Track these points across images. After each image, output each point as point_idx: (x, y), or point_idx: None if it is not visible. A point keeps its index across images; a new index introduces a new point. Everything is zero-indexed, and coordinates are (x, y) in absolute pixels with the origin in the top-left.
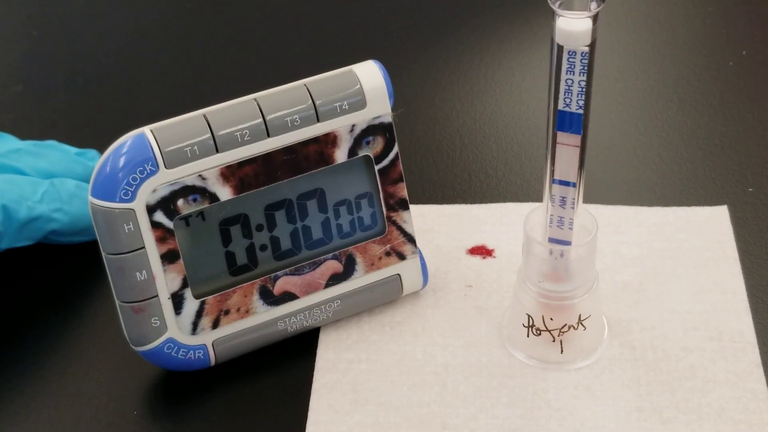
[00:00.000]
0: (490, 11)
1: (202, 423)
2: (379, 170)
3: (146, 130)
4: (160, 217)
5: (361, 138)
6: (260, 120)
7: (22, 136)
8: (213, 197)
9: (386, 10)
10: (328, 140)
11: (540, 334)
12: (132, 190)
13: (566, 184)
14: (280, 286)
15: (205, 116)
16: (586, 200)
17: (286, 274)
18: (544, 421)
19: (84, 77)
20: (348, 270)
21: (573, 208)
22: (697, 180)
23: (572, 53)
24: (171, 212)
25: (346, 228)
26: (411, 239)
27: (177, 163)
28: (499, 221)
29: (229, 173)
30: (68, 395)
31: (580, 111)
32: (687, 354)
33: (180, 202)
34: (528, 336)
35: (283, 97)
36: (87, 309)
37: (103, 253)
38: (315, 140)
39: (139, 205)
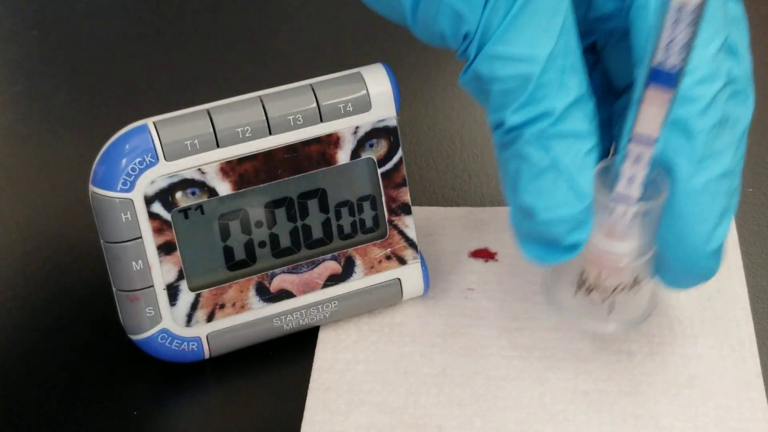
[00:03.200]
0: None
1: (197, 421)
2: (382, 173)
3: (149, 121)
4: (157, 208)
5: (365, 140)
6: (263, 117)
7: (22, 136)
8: (212, 191)
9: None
10: (331, 141)
11: (590, 293)
12: (131, 180)
13: (647, 141)
14: (277, 284)
15: (208, 111)
16: None
17: (284, 272)
18: (541, 425)
19: (84, 77)
20: (347, 271)
21: (648, 166)
22: None
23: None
24: (169, 204)
25: (346, 229)
26: (413, 244)
27: (177, 155)
28: (503, 225)
29: (228, 169)
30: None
31: (681, 65)
32: (686, 362)
33: (178, 195)
34: (575, 295)
35: (288, 96)
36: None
37: (101, 241)
38: (317, 140)
39: (137, 195)
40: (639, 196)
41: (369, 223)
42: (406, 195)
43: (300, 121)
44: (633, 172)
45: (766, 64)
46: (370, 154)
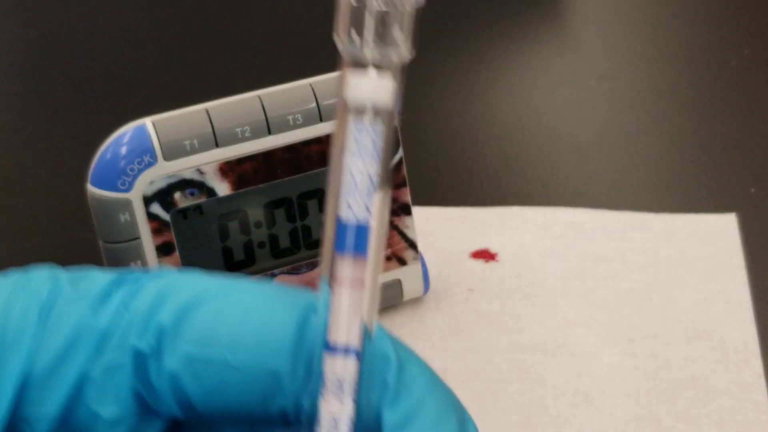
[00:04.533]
0: (491, 11)
1: None
2: None
3: (147, 121)
4: (156, 208)
5: None
6: (262, 117)
7: (21, 136)
8: (211, 192)
9: None
10: (331, 141)
11: None
12: (130, 180)
13: (343, 351)
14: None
15: (207, 111)
16: (589, 204)
17: (284, 273)
18: (542, 428)
19: (83, 77)
20: None
21: (351, 399)
22: (699, 181)
23: (362, 126)
24: (168, 204)
25: None
26: (413, 245)
27: (175, 155)
28: (503, 225)
29: (227, 169)
30: None
31: (367, 220)
32: (689, 363)
33: (177, 195)
34: None
35: (287, 96)
36: None
37: (100, 241)
38: (317, 140)
39: (136, 195)
40: None
41: None
42: (406, 196)
43: (299, 120)
44: (334, 416)
45: (767, 63)
46: None
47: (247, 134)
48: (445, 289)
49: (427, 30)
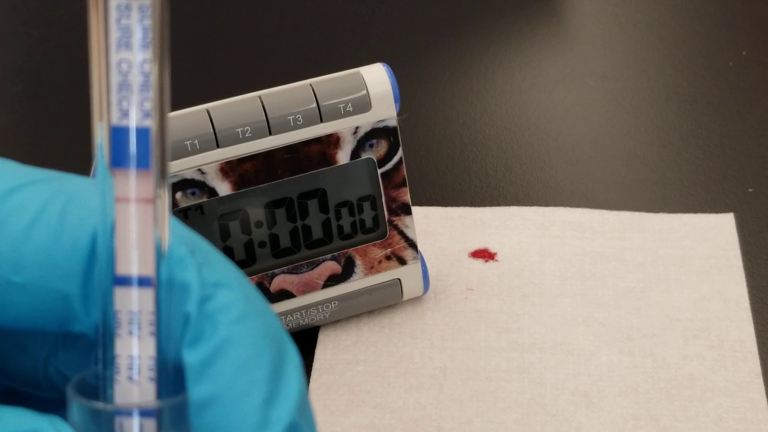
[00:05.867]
0: (491, 11)
1: None
2: (382, 174)
3: None
4: None
5: (365, 140)
6: (263, 117)
7: (23, 136)
8: (212, 192)
9: (386, 11)
10: (331, 141)
11: None
12: None
13: (132, 281)
14: (276, 284)
15: (208, 111)
16: (588, 204)
17: (284, 272)
18: (540, 426)
19: (85, 77)
20: (347, 272)
21: (151, 333)
22: (697, 181)
23: (125, 7)
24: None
25: (346, 229)
26: (412, 244)
27: (177, 155)
28: (503, 225)
29: (228, 169)
30: None
31: (147, 123)
32: (687, 362)
33: (178, 195)
34: None
35: (287, 96)
36: None
37: None
38: (317, 140)
39: None
40: (154, 395)
41: (369, 224)
42: (406, 195)
43: (300, 121)
44: (131, 355)
45: (766, 65)
46: (370, 155)
47: (247, 134)
48: (444, 288)
49: (427, 30)
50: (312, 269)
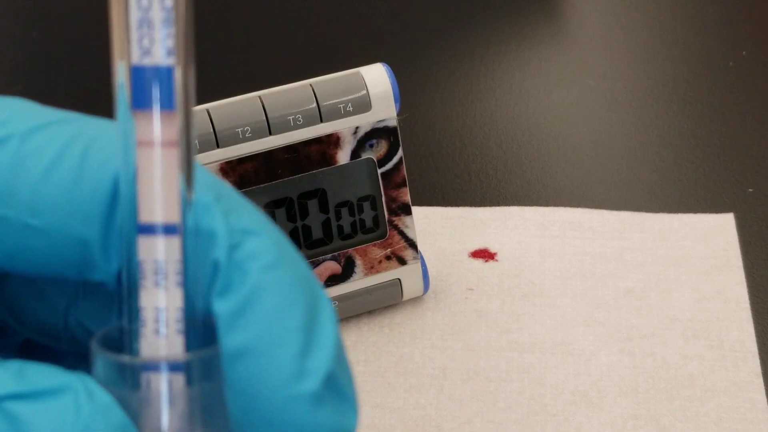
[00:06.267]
0: (491, 11)
1: None
2: (382, 174)
3: None
4: None
5: (365, 140)
6: (263, 117)
7: None
8: None
9: (386, 11)
10: (331, 141)
11: None
12: None
13: (156, 229)
14: None
15: (207, 111)
16: (588, 204)
17: None
18: (540, 426)
19: (85, 77)
20: (347, 271)
21: (178, 285)
22: (697, 181)
23: None
24: None
25: (346, 229)
26: (413, 244)
27: None
28: (503, 225)
29: (228, 169)
30: None
31: (170, 61)
32: (687, 362)
33: None
34: None
35: (287, 96)
36: None
37: None
38: (317, 140)
39: None
40: (182, 348)
41: (369, 224)
42: (406, 195)
43: (300, 121)
44: (157, 307)
45: (766, 65)
46: (370, 155)
47: (247, 134)
48: (444, 288)
49: (427, 30)
50: (312, 269)
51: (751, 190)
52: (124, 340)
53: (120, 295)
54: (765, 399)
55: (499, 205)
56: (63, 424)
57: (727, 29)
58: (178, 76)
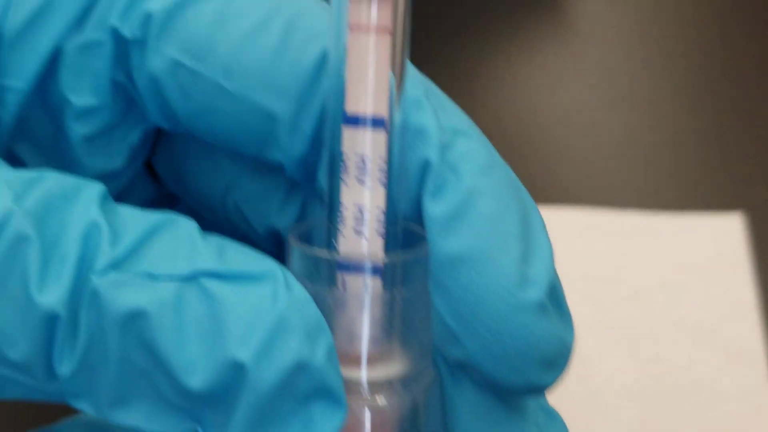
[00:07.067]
0: (493, 10)
1: None
2: None
3: None
4: None
5: None
6: None
7: None
8: None
9: None
10: None
11: None
12: None
13: (363, 122)
14: None
15: None
16: (592, 204)
17: None
18: None
19: None
20: None
21: (382, 186)
22: (703, 180)
23: None
24: None
25: None
26: None
27: None
28: None
29: None
30: None
31: None
32: (693, 366)
33: None
34: None
35: None
36: None
37: None
38: None
39: None
40: (382, 250)
41: None
42: None
43: None
44: (359, 205)
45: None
46: None
47: None
48: None
49: (428, 29)
50: None
51: (758, 188)
52: (320, 235)
53: (313, 188)
54: None
55: None
56: (259, 311)
57: (739, 27)
58: None
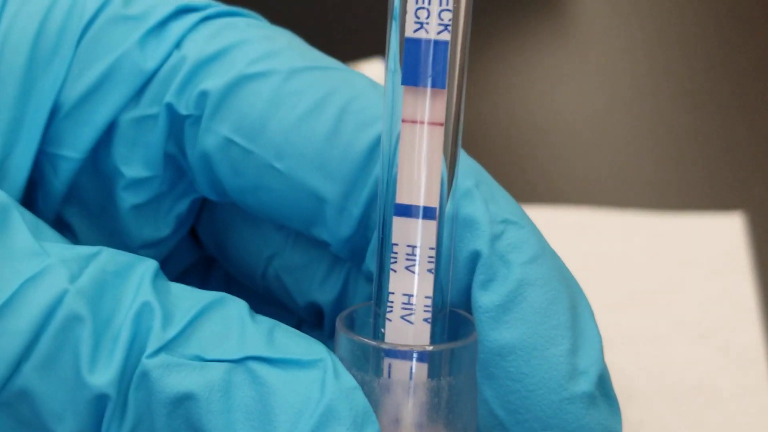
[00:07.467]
0: (492, 9)
1: None
2: None
3: None
4: None
5: None
6: None
7: None
8: None
9: (386, 7)
10: None
11: None
12: None
13: (415, 213)
14: None
15: None
16: (592, 204)
17: None
18: None
19: None
20: None
21: (430, 273)
22: (703, 180)
23: None
24: None
25: None
26: None
27: None
28: None
29: None
30: None
31: (446, 37)
32: (693, 366)
33: None
34: None
35: None
36: None
37: None
38: None
39: None
40: (428, 338)
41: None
42: None
43: None
44: (407, 293)
45: None
46: None
47: None
48: None
49: None
50: None
51: (758, 188)
52: (368, 321)
53: (357, 264)
54: None
55: None
56: (308, 399)
57: (741, 26)
58: (451, 51)
